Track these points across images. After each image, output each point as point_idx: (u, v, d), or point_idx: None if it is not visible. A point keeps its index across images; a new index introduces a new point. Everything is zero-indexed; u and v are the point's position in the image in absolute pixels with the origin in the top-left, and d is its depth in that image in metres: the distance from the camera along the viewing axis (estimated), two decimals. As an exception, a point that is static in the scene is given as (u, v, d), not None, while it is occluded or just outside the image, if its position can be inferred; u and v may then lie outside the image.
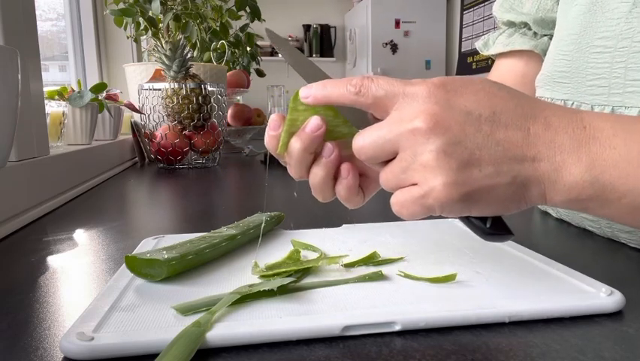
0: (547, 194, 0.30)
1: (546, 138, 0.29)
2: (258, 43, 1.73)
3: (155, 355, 0.25)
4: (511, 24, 0.67)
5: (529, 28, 0.65)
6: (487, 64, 3.49)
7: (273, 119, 0.34)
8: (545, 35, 0.64)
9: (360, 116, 0.34)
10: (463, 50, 3.83)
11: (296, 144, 0.33)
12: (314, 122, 0.33)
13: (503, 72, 0.69)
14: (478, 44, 0.72)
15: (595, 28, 0.46)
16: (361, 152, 0.32)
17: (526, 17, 0.63)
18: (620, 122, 0.30)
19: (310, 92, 0.32)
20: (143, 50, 1.75)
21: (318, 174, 0.34)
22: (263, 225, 0.46)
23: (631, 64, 0.42)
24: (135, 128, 1.33)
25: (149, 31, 1.20)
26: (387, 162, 0.32)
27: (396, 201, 0.31)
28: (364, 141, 0.31)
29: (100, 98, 1.05)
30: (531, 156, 0.29)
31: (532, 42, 0.64)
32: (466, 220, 0.32)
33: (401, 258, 0.40)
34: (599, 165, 0.29)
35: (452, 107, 0.30)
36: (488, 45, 0.70)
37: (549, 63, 0.54)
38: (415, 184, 0.30)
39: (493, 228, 0.32)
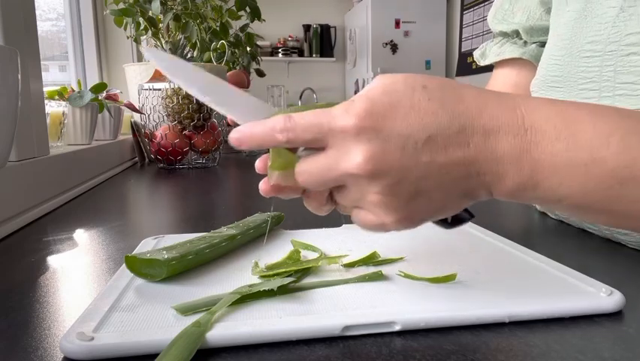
0: (493, 194, 0.31)
1: (487, 149, 0.29)
2: (258, 43, 1.73)
3: (155, 355, 0.25)
4: (504, 34, 0.69)
5: (520, 37, 0.66)
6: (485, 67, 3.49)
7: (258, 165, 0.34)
8: (535, 43, 0.65)
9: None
10: (463, 49, 3.83)
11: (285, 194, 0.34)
12: (274, 179, 0.32)
13: (499, 82, 0.70)
14: (476, 55, 0.74)
15: (584, 33, 0.47)
16: (305, 184, 0.31)
17: (517, 26, 0.64)
18: (565, 121, 0.29)
19: (236, 135, 0.31)
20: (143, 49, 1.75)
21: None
22: (269, 224, 0.46)
23: (619, 67, 0.43)
24: (135, 128, 1.33)
25: (149, 31, 1.20)
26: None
27: (358, 221, 0.32)
28: (307, 173, 0.30)
29: (100, 98, 1.05)
30: (475, 171, 0.29)
31: (520, 50, 0.65)
32: None
33: (401, 258, 0.40)
34: (540, 173, 0.29)
35: (385, 141, 0.28)
36: (485, 55, 0.72)
37: (543, 68, 0.55)
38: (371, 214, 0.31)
39: (454, 219, 0.34)
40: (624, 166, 0.28)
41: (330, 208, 0.34)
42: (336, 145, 0.29)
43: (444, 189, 0.30)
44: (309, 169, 0.30)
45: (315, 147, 0.30)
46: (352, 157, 0.28)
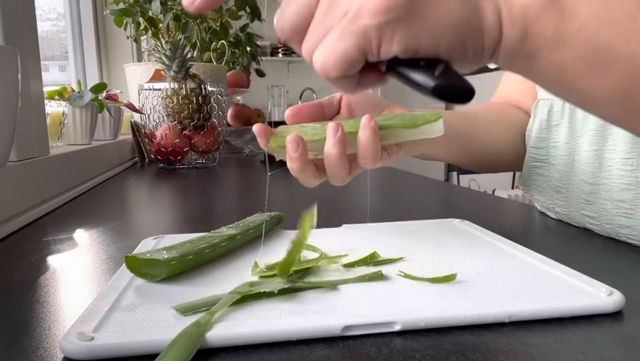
0: (503, 24, 0.26)
1: None
2: (258, 43, 1.73)
3: (155, 355, 0.25)
4: None
5: None
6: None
7: (256, 129, 0.39)
8: None
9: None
10: (463, 49, 3.83)
11: (292, 164, 0.38)
12: (291, 146, 0.37)
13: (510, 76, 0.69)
14: None
15: None
16: (281, 32, 0.29)
17: None
18: None
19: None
20: (143, 50, 1.75)
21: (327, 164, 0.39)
22: (265, 224, 0.46)
23: None
24: (135, 128, 1.33)
25: (149, 31, 1.20)
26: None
27: (318, 53, 0.27)
28: (279, 18, 0.29)
29: (100, 98, 1.05)
30: None
31: None
32: (408, 76, 0.27)
33: (401, 258, 0.40)
34: None
35: None
36: None
37: None
38: (345, 15, 0.26)
39: (443, 78, 0.26)
40: None
41: (315, 176, 0.39)
42: None
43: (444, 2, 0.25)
44: (284, 14, 0.29)
45: None
46: None
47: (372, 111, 0.41)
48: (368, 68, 0.29)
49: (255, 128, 0.39)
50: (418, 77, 0.27)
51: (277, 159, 0.40)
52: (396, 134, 0.39)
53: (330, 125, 0.37)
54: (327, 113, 0.45)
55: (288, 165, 0.39)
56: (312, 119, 0.43)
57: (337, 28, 0.26)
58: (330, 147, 0.38)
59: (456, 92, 0.27)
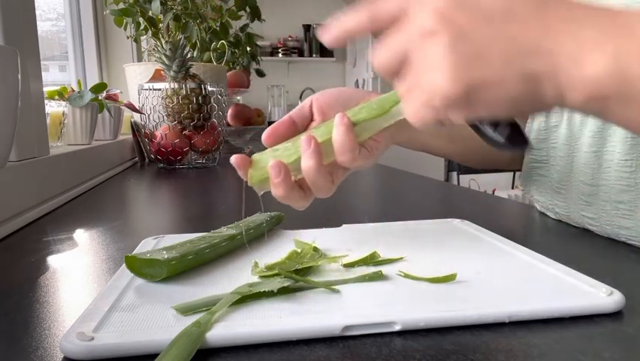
0: (564, 91, 0.28)
1: (569, 30, 0.28)
2: (258, 43, 1.73)
3: (155, 355, 0.25)
4: None
5: None
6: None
7: (235, 161, 0.39)
8: None
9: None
10: (463, 50, 3.83)
11: (277, 190, 0.38)
12: (274, 171, 0.37)
13: None
14: None
15: None
16: (377, 66, 0.32)
17: None
18: None
19: (328, 31, 0.34)
20: (143, 50, 1.75)
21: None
22: (265, 225, 0.46)
23: None
24: (135, 128, 1.33)
25: (149, 31, 1.20)
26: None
27: (407, 107, 0.32)
28: (378, 52, 0.32)
29: (100, 98, 1.05)
30: (548, 48, 0.28)
31: None
32: (478, 130, 0.32)
33: (401, 258, 0.40)
34: (625, 56, 0.26)
35: (461, 5, 0.29)
36: None
37: None
38: (424, 88, 0.30)
39: (506, 135, 0.31)
40: None
41: (302, 198, 0.40)
42: (413, 15, 0.30)
43: (506, 60, 0.28)
44: (382, 45, 0.32)
45: (397, 19, 0.31)
46: (423, 15, 0.29)
47: (346, 108, 0.41)
48: None
49: (234, 160, 0.39)
50: (486, 131, 0.32)
51: (260, 194, 0.40)
52: (370, 127, 0.38)
53: (302, 140, 0.37)
54: (300, 125, 0.44)
55: (274, 192, 0.39)
56: (288, 136, 0.42)
57: (419, 98, 0.30)
58: (307, 161, 0.37)
59: (515, 146, 0.32)
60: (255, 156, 0.40)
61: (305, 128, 0.45)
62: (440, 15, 0.29)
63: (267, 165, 0.38)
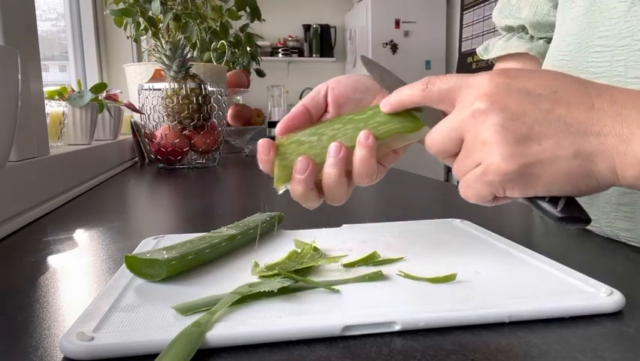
0: (617, 168, 0.30)
1: (612, 112, 0.29)
2: (258, 43, 1.73)
3: (155, 355, 0.25)
4: (509, 29, 0.68)
5: (527, 32, 0.66)
6: (486, 64, 3.49)
7: (262, 145, 0.37)
8: (541, 38, 0.65)
9: (436, 119, 0.36)
10: (463, 49, 3.83)
11: (297, 187, 0.37)
12: (300, 165, 0.36)
13: None
14: (478, 50, 0.73)
15: (594, 28, 0.47)
16: (432, 146, 0.34)
17: (524, 21, 0.64)
18: None
19: (387, 101, 0.36)
20: (143, 50, 1.75)
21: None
22: (260, 225, 0.46)
23: (631, 62, 0.43)
24: (135, 128, 1.33)
25: (149, 31, 1.20)
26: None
27: (462, 183, 0.33)
28: (432, 134, 0.34)
29: (100, 98, 1.05)
30: (596, 130, 0.29)
31: (528, 45, 0.65)
32: (536, 204, 0.33)
33: (401, 258, 0.40)
34: None
35: (510, 89, 0.31)
36: (488, 50, 0.71)
37: (549, 65, 0.54)
38: (479, 165, 0.32)
39: (565, 211, 0.32)
40: None
41: (317, 199, 0.38)
42: (465, 97, 0.32)
43: (557, 140, 0.29)
44: (436, 126, 0.34)
45: (447, 104, 0.34)
46: (475, 98, 0.31)
47: (363, 103, 0.40)
48: None
49: (261, 142, 0.37)
50: (545, 207, 0.32)
51: (280, 192, 0.38)
52: (398, 140, 0.38)
53: (333, 146, 0.36)
54: (314, 115, 0.42)
55: (292, 187, 0.37)
56: (305, 127, 0.40)
57: (474, 173, 0.32)
58: (330, 167, 0.36)
59: (576, 221, 0.32)
60: (281, 145, 0.38)
61: (318, 118, 0.42)
62: (490, 98, 0.31)
63: (292, 159, 0.37)
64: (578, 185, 0.31)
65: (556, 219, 0.32)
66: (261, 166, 0.38)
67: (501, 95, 0.31)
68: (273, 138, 0.39)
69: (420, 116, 0.37)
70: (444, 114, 0.35)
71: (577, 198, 0.33)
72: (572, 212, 0.32)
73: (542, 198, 0.33)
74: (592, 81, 0.32)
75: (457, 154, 0.34)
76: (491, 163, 0.31)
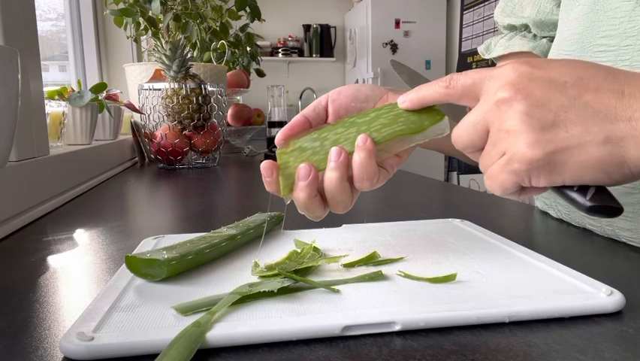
0: None
1: None
2: (258, 43, 1.73)
3: (155, 355, 0.25)
4: (512, 27, 0.68)
5: (529, 31, 0.66)
6: (487, 64, 3.49)
7: (264, 167, 0.37)
8: (544, 37, 0.64)
9: (460, 114, 0.36)
10: (463, 50, 3.83)
11: (300, 193, 0.36)
12: (303, 172, 0.35)
13: None
14: (480, 48, 0.73)
15: (597, 27, 0.47)
16: (458, 141, 0.34)
17: (527, 20, 0.64)
18: None
19: (406, 97, 0.36)
20: (143, 50, 1.75)
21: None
22: (265, 224, 0.46)
23: (635, 62, 0.43)
24: (135, 128, 1.33)
25: (149, 31, 1.20)
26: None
27: (487, 175, 0.32)
28: (458, 129, 0.33)
29: (100, 98, 1.05)
30: (627, 116, 0.28)
31: (531, 44, 0.64)
32: (564, 194, 0.31)
33: (401, 258, 0.40)
34: None
35: (535, 77, 0.30)
36: (490, 49, 0.71)
37: None
38: (504, 154, 0.31)
39: (595, 200, 0.30)
40: None
41: (322, 208, 0.37)
42: (488, 89, 0.32)
43: (585, 126, 0.29)
44: (461, 121, 0.33)
45: (470, 99, 0.33)
46: (498, 88, 0.31)
47: (363, 111, 0.39)
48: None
49: (264, 165, 0.37)
50: (574, 196, 0.31)
51: (287, 202, 0.38)
52: (401, 142, 0.37)
53: (333, 150, 0.36)
54: (314, 126, 0.41)
55: (295, 196, 0.37)
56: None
57: (498, 163, 0.32)
58: (330, 172, 0.36)
59: (608, 211, 0.30)
60: (283, 153, 0.37)
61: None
62: (514, 86, 0.30)
63: (296, 166, 0.36)
64: (611, 173, 0.29)
65: (585, 209, 0.30)
66: (266, 187, 0.38)
67: (525, 84, 0.30)
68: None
69: (447, 113, 0.36)
70: (468, 109, 0.34)
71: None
72: (603, 201, 0.30)
73: (571, 188, 0.31)
74: (620, 69, 0.31)
75: (483, 148, 0.33)
76: (516, 151, 0.30)
